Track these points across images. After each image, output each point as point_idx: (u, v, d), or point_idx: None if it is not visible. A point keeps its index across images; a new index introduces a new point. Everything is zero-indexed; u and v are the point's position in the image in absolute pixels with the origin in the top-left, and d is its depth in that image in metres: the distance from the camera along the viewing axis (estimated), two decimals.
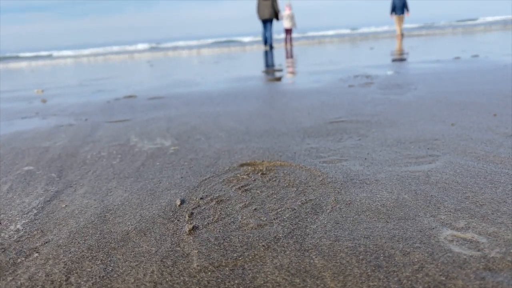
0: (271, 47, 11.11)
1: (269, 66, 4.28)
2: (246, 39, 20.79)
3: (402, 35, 11.18)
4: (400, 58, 4.09)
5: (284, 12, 11.94)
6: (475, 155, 1.00)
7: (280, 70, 3.64)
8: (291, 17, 11.99)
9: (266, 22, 11.06)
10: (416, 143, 1.13)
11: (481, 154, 1.01)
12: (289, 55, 6.36)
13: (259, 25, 11.08)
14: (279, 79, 2.94)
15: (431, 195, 0.78)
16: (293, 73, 3.36)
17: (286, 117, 1.59)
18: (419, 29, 18.32)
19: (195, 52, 11.69)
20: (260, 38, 12.57)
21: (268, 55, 6.91)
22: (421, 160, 0.99)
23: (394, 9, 11.06)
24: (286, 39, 12.22)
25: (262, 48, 11.53)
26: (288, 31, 12.16)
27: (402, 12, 11.04)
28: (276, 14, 10.93)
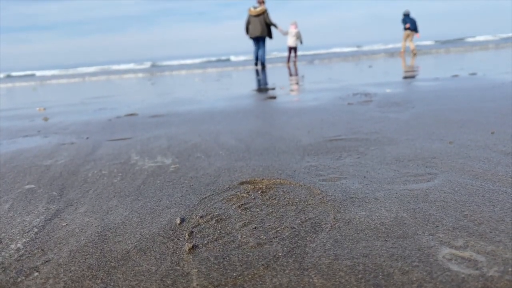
0: (263, 67, 10.06)
1: (268, 84, 4.33)
2: (245, 57, 21.06)
3: (414, 53, 10.67)
4: (399, 76, 4.14)
5: (289, 29, 11.32)
6: (473, 173, 1.01)
7: (280, 88, 3.68)
8: (297, 35, 11.38)
9: (259, 40, 10.07)
10: (414, 161, 1.14)
11: (479, 172, 1.02)
12: (292, 73, 6.35)
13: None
14: (278, 97, 2.97)
15: (430, 214, 0.79)
16: (292, 91, 3.40)
17: (285, 135, 1.61)
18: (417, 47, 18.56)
19: (196, 70, 11.81)
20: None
21: (262, 74, 6.74)
22: (420, 178, 1.00)
23: (405, 24, 10.94)
24: (289, 58, 11.68)
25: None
26: (292, 49, 11.59)
27: (414, 28, 10.91)
28: (269, 32, 9.83)
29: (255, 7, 9.87)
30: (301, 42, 11.56)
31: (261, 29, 9.81)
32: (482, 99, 2.14)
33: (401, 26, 11.40)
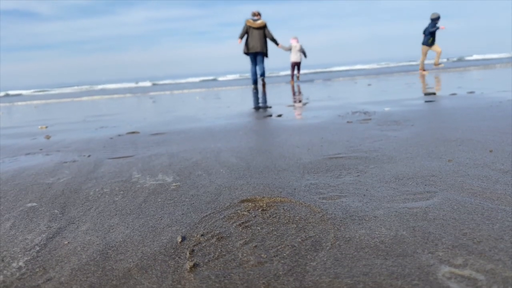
0: (264, 84, 9.12)
1: (267, 103, 4.37)
2: (246, 75, 21.29)
3: (438, 65, 9.39)
4: (397, 95, 4.19)
5: (291, 44, 10.21)
6: (472, 191, 1.02)
7: (279, 106, 3.72)
8: (301, 49, 10.29)
9: (257, 56, 8.98)
10: (413, 179, 1.15)
11: (478, 190, 1.02)
12: (294, 91, 6.35)
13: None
14: (278, 115, 3.00)
15: (429, 232, 0.80)
16: (292, 109, 3.43)
17: (285, 153, 1.62)
18: (415, 66, 18.82)
19: (197, 89, 11.92)
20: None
21: (262, 93, 6.50)
22: (419, 197, 1.01)
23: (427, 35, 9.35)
24: (293, 75, 10.57)
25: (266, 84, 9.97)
26: (295, 65, 10.43)
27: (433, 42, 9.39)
28: (265, 50, 8.75)
29: (254, 20, 8.90)
30: (305, 56, 10.58)
31: (262, 44, 8.88)
32: (480, 118, 2.16)
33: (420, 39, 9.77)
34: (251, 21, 8.89)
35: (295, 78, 11.29)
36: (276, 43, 9.36)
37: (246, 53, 9.05)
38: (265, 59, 9.24)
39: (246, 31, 8.99)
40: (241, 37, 9.03)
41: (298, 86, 8.50)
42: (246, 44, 8.95)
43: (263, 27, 8.91)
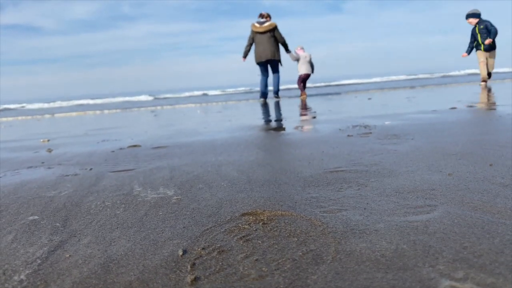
0: (278, 97, 7.78)
1: (271, 117, 4.40)
2: (246, 88, 21.45)
3: (489, 75, 7.82)
4: (397, 109, 4.21)
5: (298, 52, 8.44)
6: (472, 205, 1.02)
7: (280, 120, 3.74)
8: (310, 61, 8.62)
9: (268, 65, 7.52)
10: (414, 193, 1.16)
11: (478, 204, 1.03)
12: (304, 106, 5.76)
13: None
14: (279, 128, 3.01)
15: (430, 245, 0.80)
16: (292, 122, 3.45)
17: (286, 166, 1.63)
18: (414, 80, 18.97)
19: (198, 102, 12.00)
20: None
21: (274, 106, 5.84)
22: (419, 210, 1.01)
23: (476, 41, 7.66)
24: (302, 88, 8.80)
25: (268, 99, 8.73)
26: (305, 78, 8.68)
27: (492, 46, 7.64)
28: (278, 56, 7.31)
29: (260, 23, 7.42)
30: (312, 70, 8.87)
31: (272, 50, 7.33)
32: (480, 132, 2.17)
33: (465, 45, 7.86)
34: (257, 25, 7.46)
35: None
36: (286, 49, 7.91)
37: (257, 63, 7.68)
38: (280, 69, 7.79)
39: (252, 39, 7.53)
40: (246, 53, 7.70)
41: (303, 101, 8.02)
42: (255, 52, 7.56)
43: (272, 30, 7.39)
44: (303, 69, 8.64)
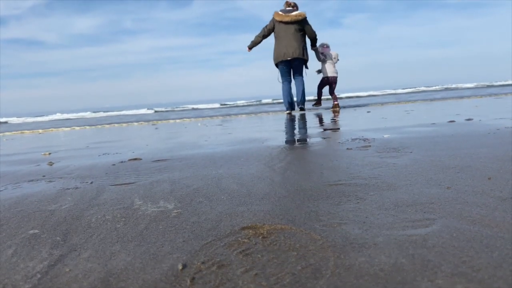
0: (303, 109, 6.36)
1: (266, 129, 4.42)
2: (246, 101, 21.57)
3: None
4: (396, 122, 4.23)
5: (324, 51, 6.89)
6: (471, 219, 1.03)
7: (277, 132, 3.76)
8: (336, 59, 7.07)
9: (292, 66, 5.94)
10: (413, 206, 1.16)
11: (477, 218, 1.03)
12: (336, 118, 4.92)
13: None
14: (276, 142, 3.03)
15: (428, 259, 0.80)
16: (291, 136, 3.47)
17: (286, 179, 1.64)
18: (414, 93, 19.09)
19: (199, 115, 12.04)
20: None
21: (298, 121, 4.91)
22: (418, 224, 1.01)
23: None
24: (321, 95, 7.41)
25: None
26: (332, 82, 7.09)
27: None
28: (305, 55, 5.85)
29: (286, 11, 5.88)
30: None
31: (298, 47, 5.71)
32: (478, 145, 2.19)
33: None
34: (281, 13, 5.82)
35: (320, 102, 7.74)
36: (314, 44, 6.36)
37: (276, 64, 6.04)
38: (305, 72, 6.16)
39: (272, 29, 5.87)
40: (254, 44, 6.02)
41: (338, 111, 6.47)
42: (275, 48, 5.96)
43: (301, 22, 5.76)
44: (328, 70, 6.94)
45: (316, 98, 7.70)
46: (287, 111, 6.55)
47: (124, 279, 0.81)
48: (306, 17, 5.97)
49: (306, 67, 6.27)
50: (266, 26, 6.08)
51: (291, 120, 5.88)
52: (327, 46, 7.16)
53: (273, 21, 5.89)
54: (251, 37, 6.33)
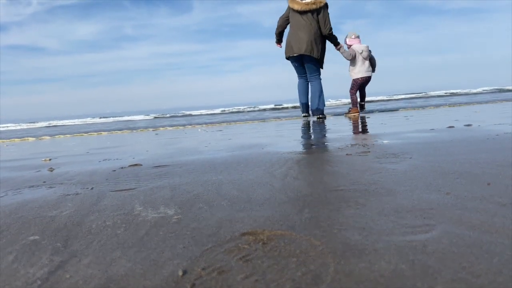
0: (321, 118, 5.40)
1: (267, 135, 4.42)
2: (244, 107, 21.62)
3: None
4: (395, 127, 4.24)
5: (351, 44, 5.82)
6: (470, 224, 1.03)
7: (277, 138, 3.77)
8: (369, 56, 5.87)
9: (305, 63, 5.14)
10: (412, 212, 1.17)
11: (476, 223, 1.04)
12: (358, 123, 4.56)
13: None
14: (275, 147, 3.03)
15: (428, 265, 0.80)
16: (288, 141, 3.47)
17: (285, 185, 1.64)
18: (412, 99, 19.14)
19: (199, 120, 12.05)
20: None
21: (314, 127, 4.45)
22: (418, 230, 1.02)
23: None
24: (362, 98, 6.44)
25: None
26: (363, 84, 6.06)
27: None
28: (317, 52, 4.97)
29: None
30: (373, 69, 6.07)
31: (309, 41, 4.86)
32: (477, 150, 2.19)
33: None
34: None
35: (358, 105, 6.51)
36: (335, 42, 5.35)
37: (287, 58, 5.27)
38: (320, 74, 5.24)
39: (287, 17, 5.09)
40: (278, 37, 5.27)
41: (354, 119, 5.63)
42: (286, 40, 5.17)
43: (318, 10, 4.86)
44: (358, 71, 5.80)
45: (350, 103, 6.40)
46: (303, 114, 5.67)
47: (125, 286, 0.81)
48: (323, 6, 4.95)
49: (321, 66, 5.25)
50: (281, 16, 5.26)
51: (302, 125, 5.89)
52: (357, 37, 5.79)
53: (288, 9, 5.03)
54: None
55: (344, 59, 5.96)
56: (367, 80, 6.02)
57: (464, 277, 0.74)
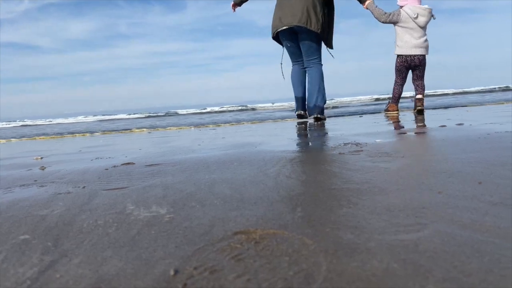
0: (319, 119, 4.22)
1: (262, 132, 4.42)
2: (241, 107, 21.59)
3: None
4: (388, 127, 4.27)
5: (406, 8, 4.01)
6: (461, 223, 1.04)
7: (275, 136, 3.77)
8: (428, 22, 4.04)
9: (298, 42, 3.82)
10: (404, 211, 1.17)
11: (467, 222, 1.04)
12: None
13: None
14: (268, 147, 3.03)
15: (420, 264, 0.81)
16: (282, 141, 3.48)
17: (278, 184, 1.64)
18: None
19: (192, 119, 12.02)
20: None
21: (311, 131, 3.76)
22: (410, 229, 1.02)
23: None
24: (398, 94, 4.65)
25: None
26: (412, 67, 4.37)
27: None
28: (315, 24, 3.54)
29: None
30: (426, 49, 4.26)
31: (303, 10, 3.55)
32: (469, 150, 2.21)
33: None
34: None
35: (412, 99, 4.99)
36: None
37: (274, 36, 4.05)
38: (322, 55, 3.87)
39: None
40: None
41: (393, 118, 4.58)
42: (273, 16, 3.90)
43: None
44: (407, 43, 4.05)
45: (392, 99, 4.52)
46: (297, 112, 4.44)
47: (116, 286, 0.80)
48: None
49: (329, 46, 3.92)
50: None
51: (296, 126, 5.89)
52: None
53: None
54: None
55: (381, 21, 3.86)
56: (419, 60, 4.16)
57: (455, 276, 0.75)
